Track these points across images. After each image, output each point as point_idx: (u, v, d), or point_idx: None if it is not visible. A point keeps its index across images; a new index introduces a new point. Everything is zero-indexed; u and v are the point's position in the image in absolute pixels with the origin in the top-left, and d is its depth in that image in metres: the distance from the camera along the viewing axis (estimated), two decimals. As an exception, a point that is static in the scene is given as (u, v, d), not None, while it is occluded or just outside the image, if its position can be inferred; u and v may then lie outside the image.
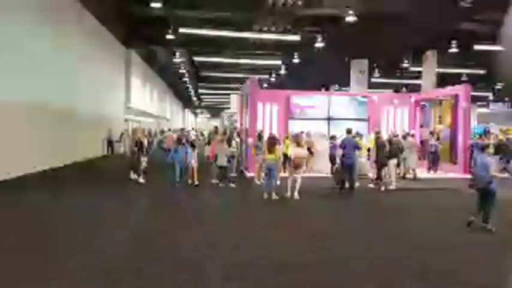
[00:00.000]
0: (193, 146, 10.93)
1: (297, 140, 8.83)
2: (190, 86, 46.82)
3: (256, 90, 13.67)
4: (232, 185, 10.36)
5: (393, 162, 10.62)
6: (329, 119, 16.38)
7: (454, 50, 22.11)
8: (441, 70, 24.59)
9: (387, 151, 10.44)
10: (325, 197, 9.54)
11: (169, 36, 21.58)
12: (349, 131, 10.17)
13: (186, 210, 7.80)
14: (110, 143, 20.04)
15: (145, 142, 11.84)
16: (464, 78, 31.45)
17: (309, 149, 13.19)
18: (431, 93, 16.98)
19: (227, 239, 5.70)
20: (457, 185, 11.73)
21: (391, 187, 10.57)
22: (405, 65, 27.55)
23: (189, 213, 7.51)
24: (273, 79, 37.02)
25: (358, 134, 11.70)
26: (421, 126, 16.79)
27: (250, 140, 12.93)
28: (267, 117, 16.23)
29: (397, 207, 8.69)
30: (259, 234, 5.99)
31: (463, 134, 14.01)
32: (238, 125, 19.22)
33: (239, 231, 6.13)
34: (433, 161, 14.20)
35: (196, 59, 29.68)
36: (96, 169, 15.39)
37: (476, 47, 22.52)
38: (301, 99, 16.37)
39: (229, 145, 12.04)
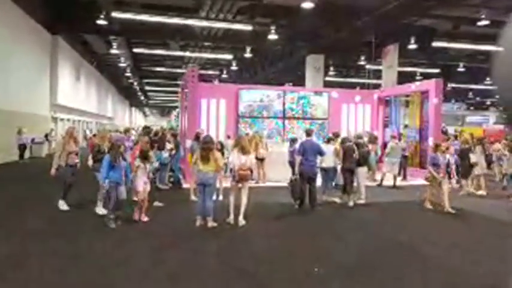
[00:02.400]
0: (145, 157, 6.89)
1: (240, 144, 6.48)
2: (134, 83, 43.31)
3: (197, 82, 11.21)
4: (159, 204, 7.81)
5: (363, 170, 8.61)
6: (284, 117, 14.30)
7: (413, 46, 20.91)
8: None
9: (356, 156, 8.41)
10: (279, 218, 7.23)
11: (101, 22, 18.58)
12: (309, 133, 7.99)
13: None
14: (22, 146, 16.36)
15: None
16: (419, 77, 30.78)
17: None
18: (396, 90, 15.34)
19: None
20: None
21: (361, 201, 8.54)
22: (362, 63, 26.19)
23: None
24: (224, 76, 34.64)
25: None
26: (386, 126, 15.15)
27: (188, 143, 10.46)
28: (213, 116, 13.87)
29: (372, 233, 6.59)
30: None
31: (433, 134, 12.34)
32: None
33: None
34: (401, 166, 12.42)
35: (136, 50, 26.58)
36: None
37: (435, 44, 21.48)
38: (252, 95, 14.14)
39: (161, 149, 9.58)
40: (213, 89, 14.23)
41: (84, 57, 29.62)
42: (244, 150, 6.38)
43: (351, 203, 8.33)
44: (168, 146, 9.70)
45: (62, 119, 25.31)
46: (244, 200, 6.48)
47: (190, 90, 11.04)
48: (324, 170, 8.57)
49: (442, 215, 7.87)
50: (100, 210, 7.11)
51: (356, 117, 15.12)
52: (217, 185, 8.65)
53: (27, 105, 18.39)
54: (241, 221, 6.44)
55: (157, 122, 70.68)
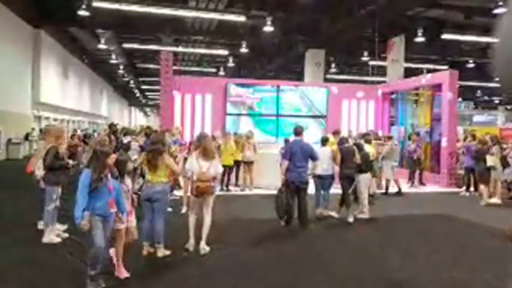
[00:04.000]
0: (120, 170, 4.16)
1: (203, 146, 4.95)
2: (131, 81, 41.89)
3: (171, 72, 9.68)
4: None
5: (366, 177, 7.06)
6: (278, 115, 12.82)
7: (420, 39, 19.28)
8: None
9: (357, 161, 6.87)
10: (258, 241, 5.62)
11: (82, 13, 17.14)
12: (298, 132, 6.44)
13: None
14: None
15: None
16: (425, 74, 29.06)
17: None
18: (403, 84, 13.77)
19: None
20: (450, 206, 8.46)
21: (363, 215, 7.01)
22: (365, 58, 24.58)
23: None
24: (221, 73, 33.15)
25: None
26: (392, 125, 13.62)
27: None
28: (198, 113, 12.42)
29: (375, 264, 5.07)
30: None
31: (447, 134, 10.79)
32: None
33: None
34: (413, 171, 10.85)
35: (127, 46, 25.12)
36: None
37: (445, 36, 19.83)
38: (242, 90, 12.67)
39: (126, 151, 8.08)
40: (198, 83, 12.74)
41: (73, 54, 28.24)
42: (206, 154, 4.84)
43: (351, 219, 6.78)
44: (135, 146, 8.20)
45: (47, 118, 23.90)
46: (207, 220, 4.94)
47: (163, 81, 9.48)
48: (319, 178, 7.04)
49: (465, 233, 6.34)
50: (48, 238, 5.34)
51: (358, 114, 13.61)
52: (181, 193, 7.15)
53: (4, 103, 16.98)
54: (204, 247, 4.88)
55: (158, 122, 69.21)
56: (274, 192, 6.69)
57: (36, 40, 20.82)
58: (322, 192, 7.11)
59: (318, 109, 12.99)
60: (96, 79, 37.38)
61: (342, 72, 30.73)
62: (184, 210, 7.08)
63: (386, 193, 9.51)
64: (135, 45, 25.12)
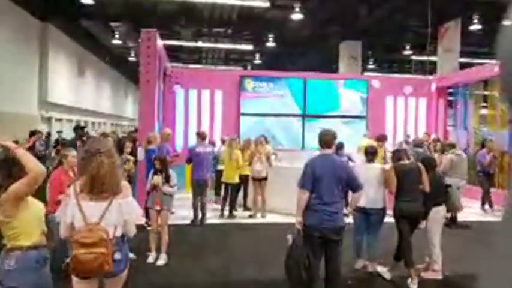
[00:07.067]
0: None
1: (89, 173, 2.26)
2: (155, 81, 40.38)
3: (156, 53, 7.20)
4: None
5: (439, 213, 4.37)
6: (305, 115, 10.29)
7: (476, 26, 16.13)
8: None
9: (425, 188, 4.21)
10: None
11: (86, 1, 15.40)
12: (326, 140, 3.60)
13: None
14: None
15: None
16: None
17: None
18: (464, 76, 10.85)
19: None
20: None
21: (434, 275, 4.33)
22: (408, 52, 21.55)
23: None
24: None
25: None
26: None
27: (140, 153, 6.50)
28: (206, 112, 10.12)
29: None
30: None
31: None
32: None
33: None
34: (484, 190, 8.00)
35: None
36: None
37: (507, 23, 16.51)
38: (260, 84, 10.22)
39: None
40: (206, 76, 10.37)
41: (91, 51, 26.70)
42: (99, 188, 2.31)
43: (414, 284, 4.10)
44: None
45: (59, 119, 22.29)
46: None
47: (144, 66, 6.96)
48: (363, 212, 4.40)
49: None
50: None
51: (407, 114, 10.83)
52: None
53: (4, 103, 15.24)
54: None
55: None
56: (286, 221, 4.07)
57: (43, 34, 19.22)
58: (366, 235, 4.49)
59: (355, 108, 10.35)
60: (120, 78, 35.89)
61: (382, 69, 27.72)
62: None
63: (455, 222, 6.70)
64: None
